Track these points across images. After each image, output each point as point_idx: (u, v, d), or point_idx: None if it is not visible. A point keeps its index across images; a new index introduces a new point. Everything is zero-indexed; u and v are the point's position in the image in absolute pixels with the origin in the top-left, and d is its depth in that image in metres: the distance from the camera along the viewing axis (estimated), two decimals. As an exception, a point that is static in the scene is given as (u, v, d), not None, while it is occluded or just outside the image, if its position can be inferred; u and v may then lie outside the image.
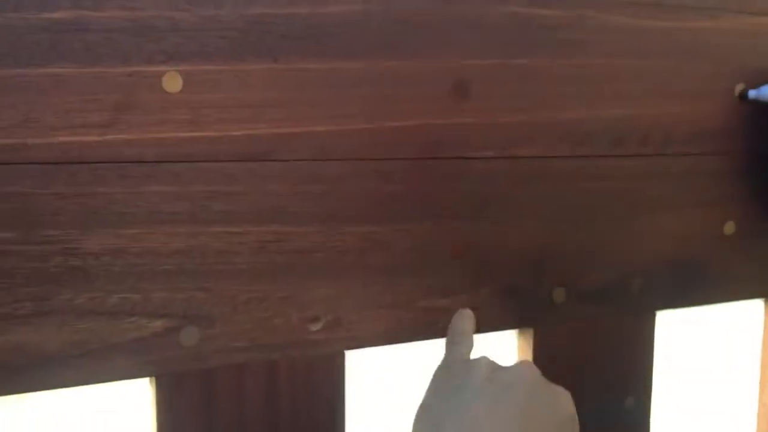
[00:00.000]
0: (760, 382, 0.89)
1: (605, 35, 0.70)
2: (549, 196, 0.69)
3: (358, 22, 0.59)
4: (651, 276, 0.75)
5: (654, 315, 0.77)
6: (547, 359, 0.72)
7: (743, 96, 0.76)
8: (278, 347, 0.60)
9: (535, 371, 0.54)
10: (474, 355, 0.57)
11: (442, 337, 0.64)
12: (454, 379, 0.53)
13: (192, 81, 0.54)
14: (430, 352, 0.68)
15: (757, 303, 0.82)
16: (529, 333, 0.72)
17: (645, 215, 0.74)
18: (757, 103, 0.76)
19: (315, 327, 0.61)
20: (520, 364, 0.54)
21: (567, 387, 0.73)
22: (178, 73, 0.54)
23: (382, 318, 0.63)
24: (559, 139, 0.69)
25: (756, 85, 0.77)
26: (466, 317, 0.61)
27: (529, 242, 0.69)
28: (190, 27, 0.54)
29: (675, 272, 0.76)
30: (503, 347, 0.75)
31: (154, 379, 0.56)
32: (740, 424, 3.06)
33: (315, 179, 0.60)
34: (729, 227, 0.78)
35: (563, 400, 0.54)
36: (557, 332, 0.73)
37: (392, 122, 0.62)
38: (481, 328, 0.68)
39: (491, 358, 0.55)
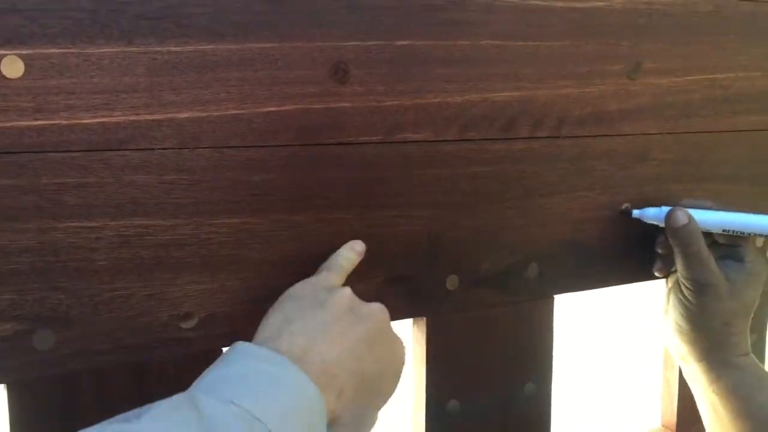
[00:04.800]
0: (663, 360, 0.89)
1: (493, 16, 0.68)
2: (438, 181, 0.68)
3: (222, 1, 0.56)
4: (547, 260, 0.74)
5: (552, 299, 0.76)
6: (443, 347, 0.71)
7: (627, 214, 0.76)
8: (147, 348, 0.57)
9: (387, 316, 0.59)
10: None
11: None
12: (317, 301, 0.56)
13: (35, 66, 0.50)
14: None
15: (658, 283, 0.82)
16: (423, 322, 0.70)
17: (538, 199, 0.73)
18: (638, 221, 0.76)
19: (188, 325, 0.58)
20: (375, 306, 0.59)
21: (466, 374, 0.72)
22: (18, 57, 0.49)
23: (262, 312, 0.61)
24: (447, 122, 0.67)
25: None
26: (352, 251, 0.63)
27: (419, 229, 0.67)
28: (31, 7, 0.49)
29: (571, 255, 0.76)
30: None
31: (5, 386, 0.52)
32: (645, 406, 3.12)
33: (181, 169, 0.56)
34: (624, 210, 0.77)
35: (399, 350, 0.59)
36: (452, 320, 0.71)
37: (265, 107, 0.59)
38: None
39: (352, 293, 0.59)
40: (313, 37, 0.60)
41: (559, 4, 0.71)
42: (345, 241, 0.63)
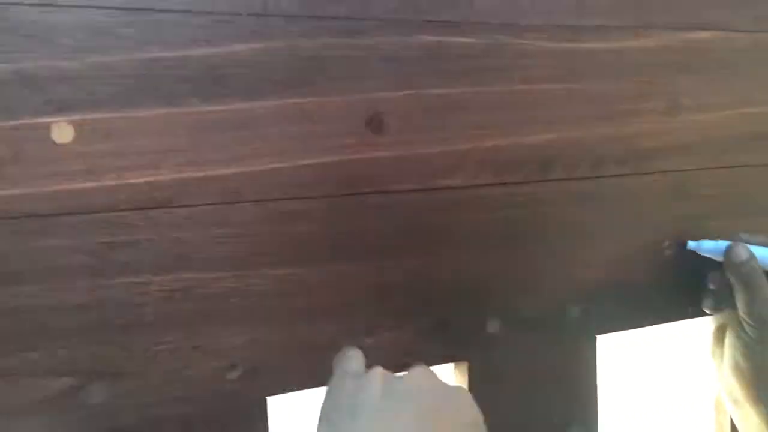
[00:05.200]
0: (714, 404, 0.87)
1: (526, 60, 0.69)
2: (476, 225, 0.68)
3: (260, 61, 0.58)
4: (588, 300, 0.74)
5: (594, 339, 0.76)
6: (485, 391, 0.71)
7: (681, 246, 0.76)
8: (193, 400, 0.58)
9: (431, 375, 0.52)
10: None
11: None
12: (348, 398, 0.49)
13: (84, 131, 0.52)
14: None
15: (704, 321, 0.81)
16: (465, 366, 0.70)
17: (577, 239, 0.73)
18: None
19: (233, 375, 0.59)
20: (414, 371, 0.52)
21: (508, 418, 0.71)
22: (68, 123, 0.52)
23: (305, 361, 0.62)
24: (482, 167, 0.68)
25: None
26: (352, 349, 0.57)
27: (458, 273, 0.68)
28: (78, 75, 0.52)
29: (613, 295, 0.75)
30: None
31: (60, 442, 0.54)
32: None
33: (224, 223, 0.58)
34: (666, 247, 0.77)
35: (465, 402, 0.52)
36: (494, 363, 0.71)
37: (304, 160, 0.60)
38: (413, 363, 0.66)
39: (383, 370, 0.52)
40: (349, 90, 0.61)
41: (592, 45, 0.72)
42: (386, 288, 0.64)
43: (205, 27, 0.56)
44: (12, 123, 0.51)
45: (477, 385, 0.70)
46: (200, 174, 0.56)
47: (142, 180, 0.54)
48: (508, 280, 0.70)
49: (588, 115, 0.72)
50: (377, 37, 0.62)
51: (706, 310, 0.77)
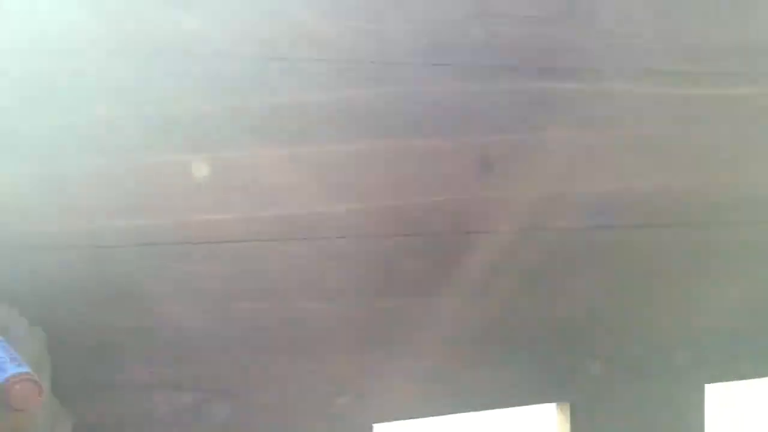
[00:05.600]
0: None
1: (636, 105, 0.70)
2: (584, 268, 0.69)
3: (379, 105, 0.62)
4: (698, 348, 0.73)
5: (702, 388, 0.74)
6: (588, 433, 0.71)
7: None
8: (307, 421, 0.61)
9: None
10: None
11: (474, 410, 0.64)
12: None
13: (218, 167, 0.58)
14: (460, 425, 0.68)
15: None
16: (567, 407, 0.71)
17: (690, 285, 0.72)
18: None
19: (342, 400, 0.62)
20: None
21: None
22: (204, 160, 0.57)
23: (411, 391, 0.64)
24: (591, 210, 0.69)
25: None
26: None
27: (564, 314, 0.69)
28: (213, 118, 0.57)
29: (722, 343, 0.74)
30: (542, 421, 0.74)
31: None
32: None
33: (341, 256, 0.62)
34: (781, 297, 0.75)
35: None
36: (597, 406, 0.71)
37: (418, 199, 0.63)
38: (517, 402, 0.68)
39: None
40: (462, 133, 0.64)
41: (704, 91, 0.72)
42: (490, 325, 0.66)
43: (327, 73, 0.60)
44: (156, 159, 0.56)
45: (578, 424, 0.70)
46: (323, 209, 0.61)
47: (270, 214, 0.59)
48: (613, 323, 0.70)
49: (701, 161, 0.72)
50: (490, 83, 0.65)
51: None
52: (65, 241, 0.54)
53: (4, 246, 0.53)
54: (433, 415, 0.65)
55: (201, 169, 0.57)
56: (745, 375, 0.75)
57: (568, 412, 0.71)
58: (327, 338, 0.62)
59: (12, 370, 0.53)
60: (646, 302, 0.71)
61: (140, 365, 0.57)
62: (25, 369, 0.51)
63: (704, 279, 0.73)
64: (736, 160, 0.73)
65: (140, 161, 0.56)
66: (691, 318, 0.73)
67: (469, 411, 0.66)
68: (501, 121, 0.65)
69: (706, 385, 0.74)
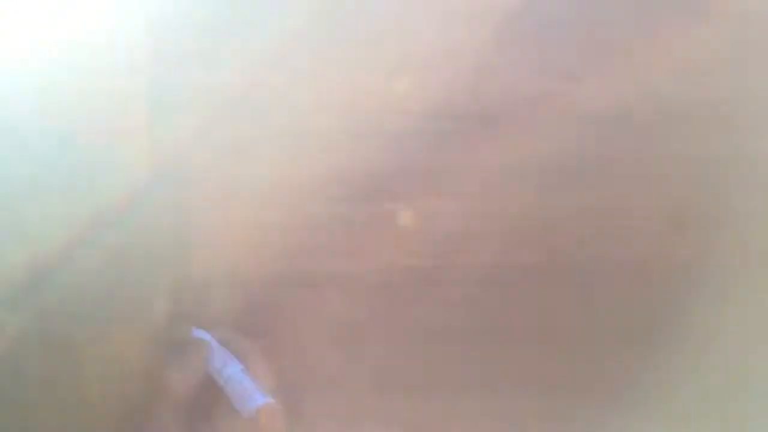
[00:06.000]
0: None
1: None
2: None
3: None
4: None
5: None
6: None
7: None
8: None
9: None
10: None
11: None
12: None
13: (421, 216, 0.65)
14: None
15: None
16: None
17: None
18: None
19: None
20: None
21: None
22: (408, 209, 0.65)
23: None
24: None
25: None
26: None
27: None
28: (419, 172, 0.65)
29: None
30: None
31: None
32: None
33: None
34: None
35: None
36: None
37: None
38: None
39: None
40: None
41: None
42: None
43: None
44: (367, 208, 0.64)
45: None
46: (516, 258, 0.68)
47: (471, 259, 0.66)
48: None
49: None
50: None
51: None
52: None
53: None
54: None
55: (405, 217, 0.65)
56: None
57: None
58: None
59: (259, 399, 0.60)
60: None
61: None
62: (270, 399, 0.59)
63: None
64: None
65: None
66: None
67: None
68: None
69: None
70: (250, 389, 0.59)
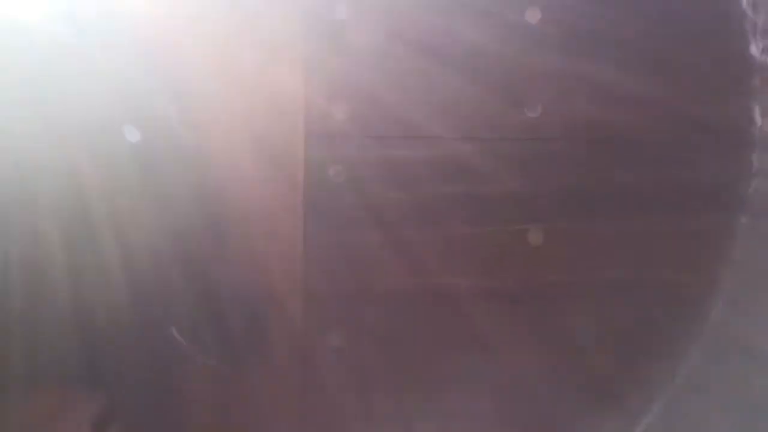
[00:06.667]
0: None
1: None
2: None
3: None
4: None
5: None
6: None
7: None
8: None
9: None
10: None
11: None
12: None
13: (551, 236, 0.65)
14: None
15: None
16: None
17: None
18: None
19: None
20: None
21: None
22: (540, 230, 0.65)
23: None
24: None
25: None
26: None
27: None
28: (543, 196, 0.65)
29: None
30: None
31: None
32: None
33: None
34: None
35: None
36: None
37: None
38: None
39: None
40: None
41: None
42: None
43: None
44: (493, 228, 0.65)
45: None
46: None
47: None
48: None
49: None
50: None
51: None
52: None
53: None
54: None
55: (536, 237, 0.65)
56: None
57: None
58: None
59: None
60: None
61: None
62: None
63: None
64: None
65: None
66: None
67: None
68: None
69: None
70: None
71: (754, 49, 0.50)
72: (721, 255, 0.63)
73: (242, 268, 0.74)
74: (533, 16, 0.59)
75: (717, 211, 0.64)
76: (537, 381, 0.61)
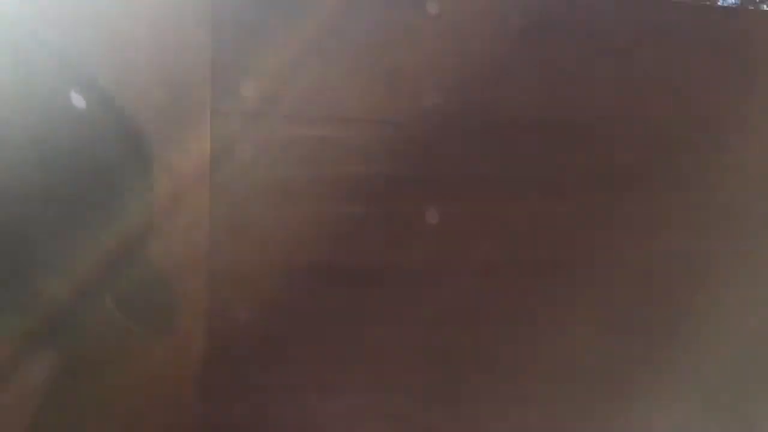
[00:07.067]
0: None
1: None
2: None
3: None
4: None
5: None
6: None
7: None
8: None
9: None
10: None
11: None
12: None
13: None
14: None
15: None
16: None
17: None
18: None
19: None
20: None
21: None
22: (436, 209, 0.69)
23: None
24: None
25: None
26: None
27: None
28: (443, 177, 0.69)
29: None
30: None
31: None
32: None
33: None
34: None
35: None
36: None
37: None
38: None
39: None
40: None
41: None
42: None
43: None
44: (392, 207, 0.68)
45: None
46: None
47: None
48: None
49: None
50: None
51: None
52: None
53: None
54: None
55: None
56: None
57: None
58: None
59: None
60: None
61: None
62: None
63: None
64: None
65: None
66: None
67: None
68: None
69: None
70: None
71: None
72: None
73: (147, 244, 0.74)
74: (432, 7, 0.63)
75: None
76: (406, 351, 0.65)
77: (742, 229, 0.78)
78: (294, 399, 0.65)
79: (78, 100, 0.72)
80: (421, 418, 0.64)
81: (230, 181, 0.71)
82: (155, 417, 0.66)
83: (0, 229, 0.68)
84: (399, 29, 0.63)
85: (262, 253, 0.67)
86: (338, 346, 0.65)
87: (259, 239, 0.67)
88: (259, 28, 0.61)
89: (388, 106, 0.61)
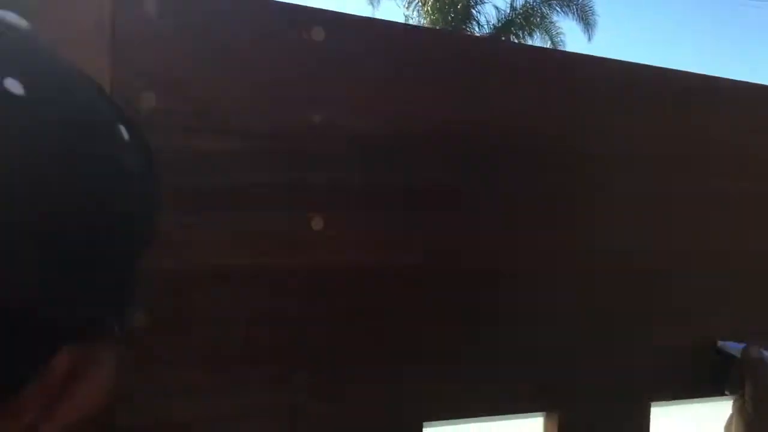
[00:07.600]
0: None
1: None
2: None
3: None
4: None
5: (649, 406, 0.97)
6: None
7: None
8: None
9: None
10: None
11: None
12: None
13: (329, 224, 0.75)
14: None
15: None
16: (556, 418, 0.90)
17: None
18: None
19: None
20: None
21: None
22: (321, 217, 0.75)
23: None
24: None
25: None
26: None
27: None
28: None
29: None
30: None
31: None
32: None
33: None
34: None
35: None
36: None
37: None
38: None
39: None
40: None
41: None
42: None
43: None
44: (280, 214, 0.73)
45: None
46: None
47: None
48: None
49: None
50: None
51: (726, 392, 1.01)
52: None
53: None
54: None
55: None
56: (680, 396, 0.98)
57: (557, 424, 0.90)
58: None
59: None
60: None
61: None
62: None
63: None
64: None
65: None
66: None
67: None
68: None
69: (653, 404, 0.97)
70: None
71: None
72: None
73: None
74: (317, 34, 0.68)
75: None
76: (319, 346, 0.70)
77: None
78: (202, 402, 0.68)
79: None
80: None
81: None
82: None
83: None
84: (285, 49, 0.68)
85: (158, 259, 0.69)
86: (245, 347, 0.69)
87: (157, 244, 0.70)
88: (157, 41, 0.64)
89: (274, 119, 0.67)
